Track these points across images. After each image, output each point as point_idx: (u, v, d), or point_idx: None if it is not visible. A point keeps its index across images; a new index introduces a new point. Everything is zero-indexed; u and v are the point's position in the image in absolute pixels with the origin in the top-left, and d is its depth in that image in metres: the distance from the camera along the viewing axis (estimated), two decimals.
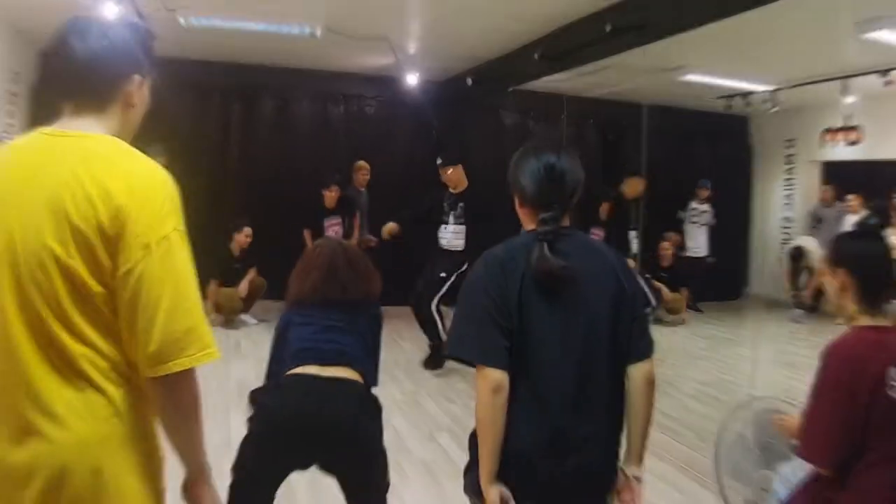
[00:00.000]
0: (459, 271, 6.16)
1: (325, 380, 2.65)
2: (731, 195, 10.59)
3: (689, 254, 9.79)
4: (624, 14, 5.43)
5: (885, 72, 7.14)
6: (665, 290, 8.95)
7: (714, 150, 10.98)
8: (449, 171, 6.41)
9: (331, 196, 8.00)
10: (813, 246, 8.82)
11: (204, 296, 7.50)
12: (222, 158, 9.13)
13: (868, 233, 3.06)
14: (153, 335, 1.42)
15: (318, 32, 6.74)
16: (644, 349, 2.01)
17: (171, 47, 7.54)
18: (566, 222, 2.01)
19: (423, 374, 6.42)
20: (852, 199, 9.04)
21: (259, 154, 9.19)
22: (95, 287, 1.44)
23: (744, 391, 5.81)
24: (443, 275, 6.30)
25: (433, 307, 6.38)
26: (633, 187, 8.07)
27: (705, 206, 9.91)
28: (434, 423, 5.18)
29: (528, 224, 2.06)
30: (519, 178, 2.05)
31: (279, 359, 2.83)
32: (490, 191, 8.25)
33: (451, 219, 6.40)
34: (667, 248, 9.17)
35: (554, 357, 1.92)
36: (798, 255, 9.02)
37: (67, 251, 1.42)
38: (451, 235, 6.41)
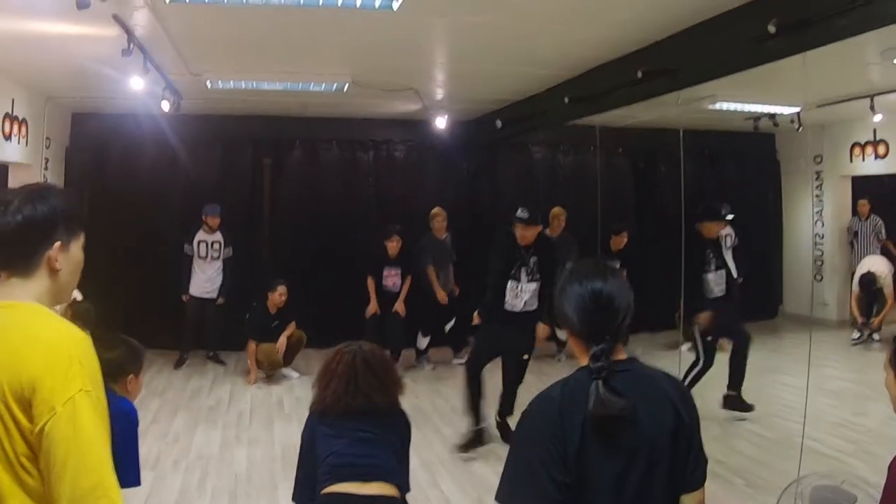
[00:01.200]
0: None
1: (364, 498, 2.69)
2: (760, 213, 10.51)
3: None
4: (654, 59, 5.38)
5: None
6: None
7: (742, 170, 10.90)
8: (530, 230, 5.65)
9: (392, 246, 8.13)
10: (884, 270, 8.68)
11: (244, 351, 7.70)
12: (254, 211, 9.22)
13: None
14: (62, 492, 1.50)
15: (346, 88, 6.75)
16: (699, 479, 1.90)
17: (198, 104, 7.62)
18: (620, 353, 1.90)
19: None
20: (862, 204, 9.20)
21: (290, 204, 9.27)
22: (23, 448, 1.55)
23: (790, 427, 5.74)
24: (526, 357, 5.75)
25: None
26: (709, 229, 6.89)
27: (727, 230, 9.82)
28: (483, 486, 5.06)
29: (581, 356, 1.93)
30: (564, 308, 1.93)
31: (309, 474, 2.85)
32: None
33: (523, 275, 5.66)
34: None
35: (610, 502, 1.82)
36: (869, 281, 8.84)
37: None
38: (529, 295, 5.67)
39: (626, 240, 8.77)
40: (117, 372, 3.03)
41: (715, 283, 6.46)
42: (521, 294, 5.64)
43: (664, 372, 1.98)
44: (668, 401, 1.87)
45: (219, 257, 8.13)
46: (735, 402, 6.27)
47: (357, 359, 2.96)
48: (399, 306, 8.27)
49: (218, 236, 8.11)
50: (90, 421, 1.57)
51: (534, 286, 5.68)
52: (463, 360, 8.62)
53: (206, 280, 8.10)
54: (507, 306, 5.65)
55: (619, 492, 1.79)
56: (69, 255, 1.76)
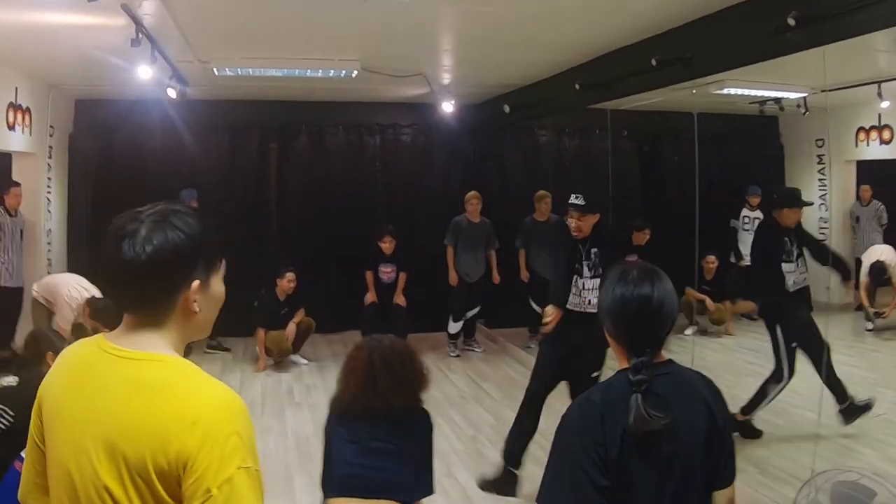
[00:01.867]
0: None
1: None
2: (765, 196, 10.49)
3: (746, 263, 9.68)
4: (669, 46, 5.32)
5: None
6: (709, 301, 8.90)
7: (746, 152, 10.86)
8: (587, 220, 4.76)
9: (386, 246, 8.28)
10: (893, 259, 8.65)
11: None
12: (260, 197, 9.20)
13: None
14: None
15: (354, 74, 6.70)
16: (729, 477, 1.91)
17: (206, 90, 7.57)
18: (661, 356, 1.89)
19: (481, 416, 6.38)
20: (864, 189, 9.18)
21: (297, 189, 9.25)
22: None
23: (801, 414, 5.74)
24: (595, 375, 4.68)
25: None
26: (789, 217, 6.76)
27: (757, 213, 9.80)
28: None
29: (622, 360, 1.91)
30: (609, 310, 1.90)
31: (328, 471, 2.85)
32: (527, 210, 8.38)
33: (585, 270, 4.83)
34: (711, 261, 9.10)
35: None
36: (879, 270, 8.81)
37: (125, 490, 1.33)
38: (590, 293, 4.79)
39: (648, 236, 8.72)
40: None
41: (793, 275, 5.75)
42: (583, 292, 4.83)
43: (699, 374, 1.97)
44: (704, 403, 1.87)
45: None
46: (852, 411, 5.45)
47: (375, 356, 2.85)
48: (398, 298, 8.37)
49: None
50: (248, 501, 1.36)
51: (597, 282, 4.79)
52: (474, 348, 8.68)
53: None
54: (570, 305, 4.81)
55: (657, 496, 1.80)
56: (209, 294, 1.47)
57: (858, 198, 9.82)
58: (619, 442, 1.77)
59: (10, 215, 7.05)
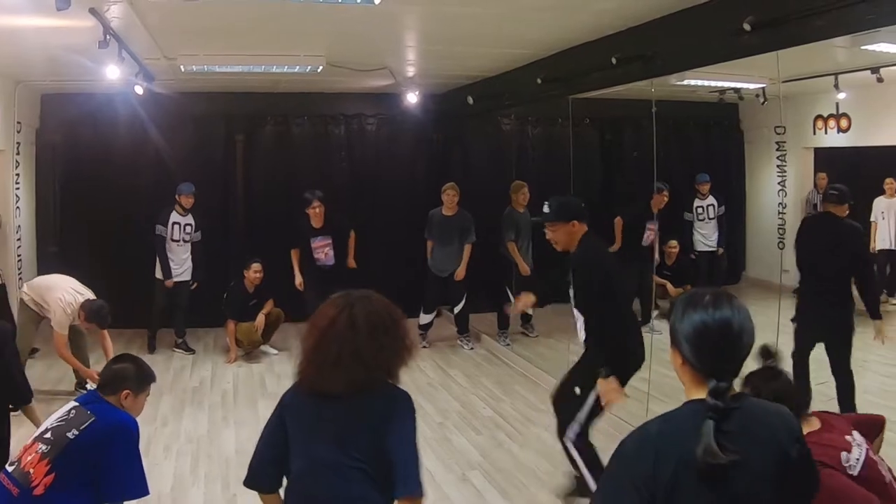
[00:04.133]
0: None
1: None
2: (723, 182, 10.70)
3: (703, 249, 9.89)
4: (630, 44, 5.43)
5: (876, 69, 7.25)
6: (670, 286, 9.11)
7: (706, 138, 11.07)
8: (554, 228, 4.16)
9: (315, 213, 7.65)
10: None
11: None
12: (227, 188, 9.25)
13: None
14: None
15: (320, 69, 6.76)
16: None
17: (172, 84, 7.58)
18: (733, 388, 1.77)
19: (449, 403, 6.54)
20: (820, 177, 9.35)
21: (263, 180, 9.30)
22: None
23: None
24: (577, 390, 4.19)
25: (568, 441, 4.23)
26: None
27: (710, 200, 10.02)
28: (465, 462, 5.24)
29: (691, 389, 1.81)
30: (685, 334, 1.77)
31: (264, 453, 2.39)
32: (492, 202, 8.49)
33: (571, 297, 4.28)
34: (673, 247, 9.32)
35: None
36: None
37: None
38: (579, 323, 4.27)
39: (667, 199, 8.26)
40: (117, 383, 3.10)
41: None
42: (577, 323, 4.30)
43: (777, 407, 1.86)
44: (776, 444, 1.76)
45: (189, 241, 7.93)
46: None
47: (343, 315, 2.27)
48: (350, 262, 7.96)
49: (190, 219, 7.89)
50: None
51: (579, 316, 4.25)
52: (464, 346, 8.40)
53: (177, 263, 7.89)
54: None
55: None
56: None
57: (815, 185, 10.05)
58: (672, 471, 1.69)
59: None
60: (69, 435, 2.91)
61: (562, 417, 4.29)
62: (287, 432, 2.34)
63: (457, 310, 8.37)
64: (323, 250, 7.77)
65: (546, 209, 4.15)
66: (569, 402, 4.24)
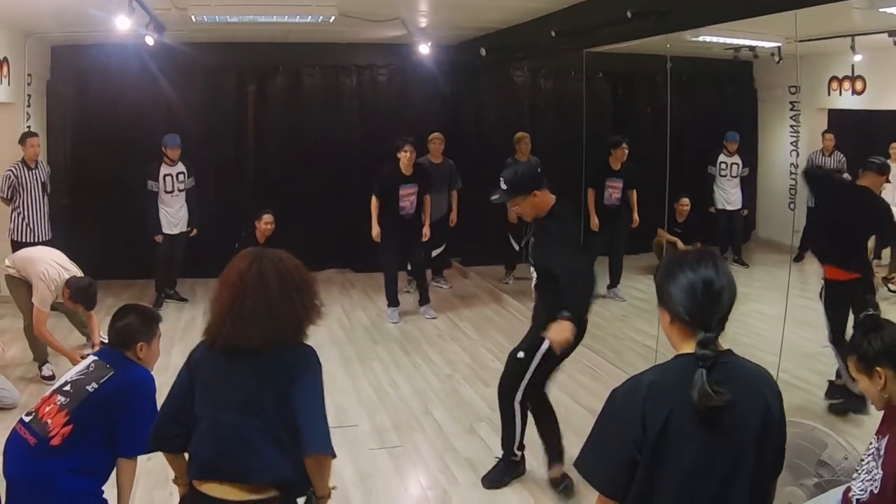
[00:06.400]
0: (543, 350, 4.01)
1: None
2: (742, 142, 10.64)
3: (723, 207, 9.87)
4: None
5: (894, 32, 7.16)
6: (680, 243, 9.12)
7: (719, 96, 10.98)
8: (515, 202, 4.11)
9: (407, 159, 7.31)
10: None
11: None
12: (238, 139, 9.22)
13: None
14: None
15: (332, 20, 6.71)
16: (776, 471, 1.98)
17: (183, 35, 7.54)
18: (719, 344, 1.88)
19: (458, 355, 6.59)
20: (827, 139, 9.23)
21: (275, 131, 9.27)
22: None
23: (766, 359, 5.92)
24: (521, 355, 4.14)
25: (514, 402, 4.22)
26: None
27: (735, 158, 9.96)
28: (474, 413, 5.30)
29: (680, 344, 1.92)
30: (671, 293, 1.89)
31: (170, 412, 2.39)
32: (502, 155, 8.46)
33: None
34: (684, 204, 9.32)
35: (693, 488, 1.83)
36: None
37: None
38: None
39: (626, 155, 8.26)
40: (127, 339, 3.09)
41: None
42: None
43: (759, 367, 1.98)
44: (761, 397, 1.88)
45: (184, 189, 7.82)
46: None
47: (254, 269, 2.29)
48: (426, 230, 7.74)
49: (181, 167, 7.76)
50: None
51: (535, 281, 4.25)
52: (441, 284, 8.84)
53: (172, 214, 7.79)
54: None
55: (696, 480, 1.82)
56: None
57: (823, 147, 9.97)
58: (663, 421, 1.79)
59: (29, 168, 6.78)
60: (88, 388, 2.96)
61: (506, 381, 4.25)
62: (195, 391, 2.36)
63: (435, 252, 8.47)
64: (409, 198, 7.45)
65: (503, 185, 4.04)
66: (511, 366, 4.20)
